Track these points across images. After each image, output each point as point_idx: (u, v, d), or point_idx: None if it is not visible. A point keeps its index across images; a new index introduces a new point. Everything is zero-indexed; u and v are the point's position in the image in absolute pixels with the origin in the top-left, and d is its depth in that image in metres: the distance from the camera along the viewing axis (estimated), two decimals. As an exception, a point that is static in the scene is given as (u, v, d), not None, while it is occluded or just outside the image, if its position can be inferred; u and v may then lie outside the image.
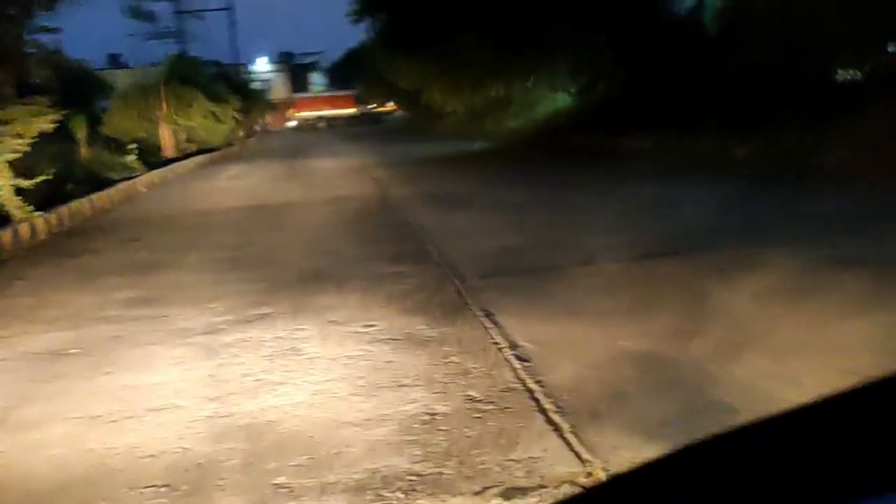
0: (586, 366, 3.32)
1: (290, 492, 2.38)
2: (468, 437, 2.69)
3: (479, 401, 3.01)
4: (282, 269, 5.83)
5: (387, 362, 3.55)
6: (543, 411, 2.87)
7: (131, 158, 16.63)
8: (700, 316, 3.88)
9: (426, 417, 2.88)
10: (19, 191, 7.99)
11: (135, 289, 5.44)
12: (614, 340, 3.62)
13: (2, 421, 3.11)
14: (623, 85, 14.98)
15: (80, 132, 17.92)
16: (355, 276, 5.38)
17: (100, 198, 10.89)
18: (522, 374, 3.26)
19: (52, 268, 6.53)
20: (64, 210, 9.13)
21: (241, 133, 35.17)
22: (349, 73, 53.14)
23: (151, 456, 2.69)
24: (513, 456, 2.52)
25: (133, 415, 3.09)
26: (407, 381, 3.27)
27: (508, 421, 2.80)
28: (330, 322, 4.27)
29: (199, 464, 2.62)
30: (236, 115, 31.29)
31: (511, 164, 14.14)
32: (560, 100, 19.43)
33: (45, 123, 7.67)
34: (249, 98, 39.10)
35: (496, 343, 3.71)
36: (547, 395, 3.01)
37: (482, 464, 2.48)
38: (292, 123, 57.15)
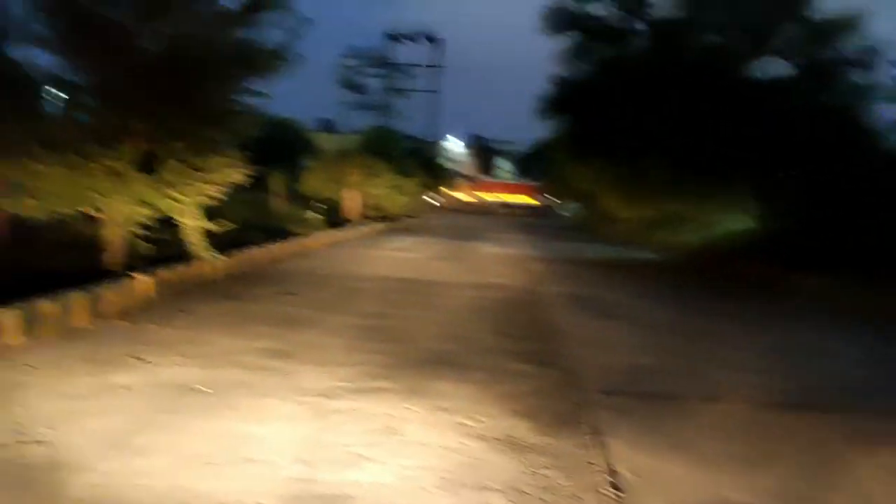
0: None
1: None
2: None
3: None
4: (412, 346, 5.97)
5: (478, 460, 3.51)
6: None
7: (315, 216, 17.89)
8: (821, 482, 3.52)
9: (497, 526, 2.80)
10: (206, 233, 8.82)
11: (275, 340, 5.79)
12: (718, 489, 3.35)
13: (118, 443, 3.39)
14: (806, 217, 14.17)
15: (276, 186, 19.60)
16: (478, 367, 5.40)
17: (275, 248, 11.76)
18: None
19: (214, 307, 7.11)
20: (241, 256, 9.94)
21: (422, 207, 36.83)
22: (534, 163, 54.43)
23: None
24: None
25: (228, 461, 3.26)
26: (491, 485, 3.21)
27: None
28: (439, 409, 4.30)
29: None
30: (419, 190, 32.87)
31: (672, 281, 13.69)
32: (736, 222, 18.67)
33: (238, 175, 8.46)
34: (435, 175, 41.02)
35: (594, 465, 3.56)
36: None
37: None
38: (473, 203, 58.98)
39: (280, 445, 3.50)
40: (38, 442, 3.32)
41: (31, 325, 5.14)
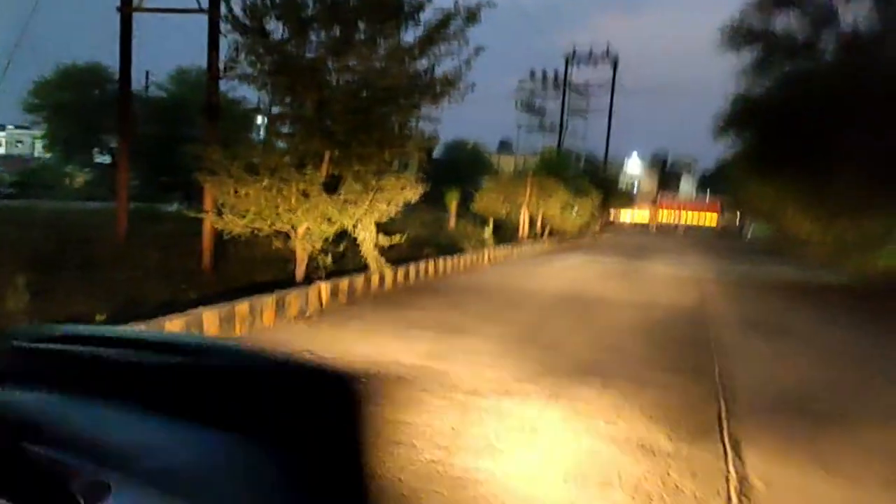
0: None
1: None
2: None
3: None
4: (563, 356, 6.17)
5: (607, 461, 3.68)
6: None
7: (487, 234, 18.44)
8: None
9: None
10: (380, 247, 9.55)
11: (434, 344, 6.23)
12: (854, 505, 3.29)
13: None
14: None
15: (452, 205, 20.44)
16: (625, 376, 5.51)
17: (446, 263, 12.37)
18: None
19: (384, 314, 7.71)
20: (412, 269, 10.60)
21: (596, 226, 36.47)
22: (717, 182, 52.11)
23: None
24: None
25: (378, 445, 3.67)
26: (615, 482, 3.38)
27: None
28: (577, 412, 4.49)
29: (407, 500, 3.07)
30: (593, 210, 32.65)
31: (861, 308, 12.71)
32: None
33: (411, 194, 9.10)
34: (611, 195, 40.47)
35: (726, 473, 3.61)
36: None
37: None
38: (651, 223, 57.46)
39: (425, 433, 3.88)
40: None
41: (227, 323, 5.95)
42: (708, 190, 58.57)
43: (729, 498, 3.30)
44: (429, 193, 9.67)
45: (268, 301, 6.61)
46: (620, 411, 4.59)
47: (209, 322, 5.67)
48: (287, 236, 8.50)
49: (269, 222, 8.20)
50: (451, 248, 14.32)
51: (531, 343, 6.67)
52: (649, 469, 3.59)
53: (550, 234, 26.03)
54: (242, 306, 6.20)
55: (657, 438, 4.09)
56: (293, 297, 7.07)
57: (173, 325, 5.25)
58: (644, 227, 56.24)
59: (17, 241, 8.43)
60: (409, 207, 9.63)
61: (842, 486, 3.51)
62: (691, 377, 5.68)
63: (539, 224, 25.59)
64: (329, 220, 8.43)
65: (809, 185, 18.25)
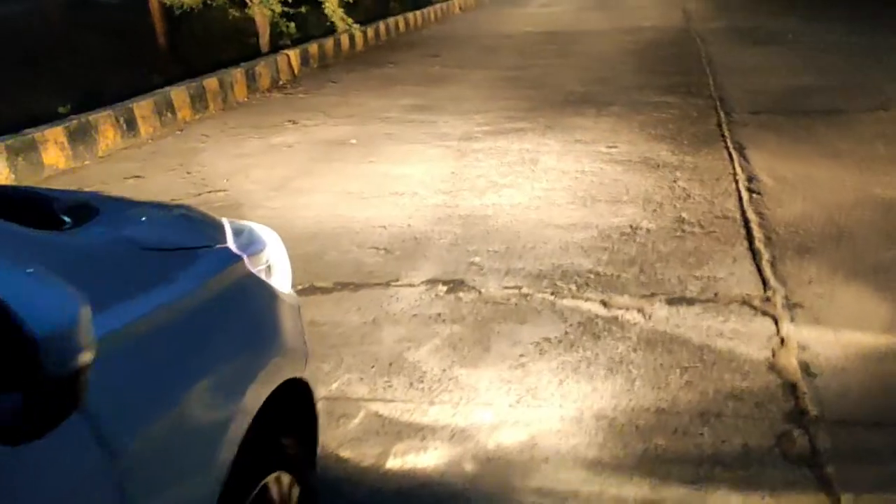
0: (820, 205, 3.08)
1: (480, 269, 2.67)
2: (660, 251, 2.73)
3: (688, 223, 2.99)
4: (552, 90, 5.94)
5: (614, 180, 3.60)
6: (750, 239, 2.78)
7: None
8: None
9: (628, 230, 2.95)
10: (346, 5, 8.89)
11: (418, 97, 5.97)
12: (867, 186, 3.27)
13: (282, 186, 3.80)
14: None
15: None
16: (619, 102, 5.33)
17: (416, 16, 11.65)
18: (746, 205, 3.14)
19: (360, 74, 7.34)
20: (381, 26, 9.98)
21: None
22: None
23: (382, 226, 3.15)
24: (696, 273, 2.53)
25: (379, 195, 3.58)
26: (625, 198, 3.33)
27: (708, 244, 2.77)
28: (576, 141, 4.37)
29: (416, 238, 3.02)
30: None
31: (851, 2, 12.19)
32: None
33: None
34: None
35: (733, 174, 3.56)
36: (761, 227, 2.89)
37: (662, 275, 2.53)
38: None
39: (424, 182, 3.77)
40: (220, 190, 3.79)
41: (199, 101, 5.63)
42: None
43: (739, 195, 3.27)
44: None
45: (237, 74, 6.22)
46: (619, 134, 4.47)
47: (179, 101, 5.35)
48: (244, 4, 7.85)
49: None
50: (418, 0, 13.43)
51: (518, 83, 6.39)
52: (656, 181, 3.53)
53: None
54: (211, 81, 5.83)
55: (660, 153, 4.00)
56: (262, 68, 6.65)
57: (141, 109, 4.95)
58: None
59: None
60: None
61: (854, 172, 3.48)
62: (686, 93, 5.50)
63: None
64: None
65: None
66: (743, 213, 3.06)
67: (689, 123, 4.60)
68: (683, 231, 2.90)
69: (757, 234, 2.82)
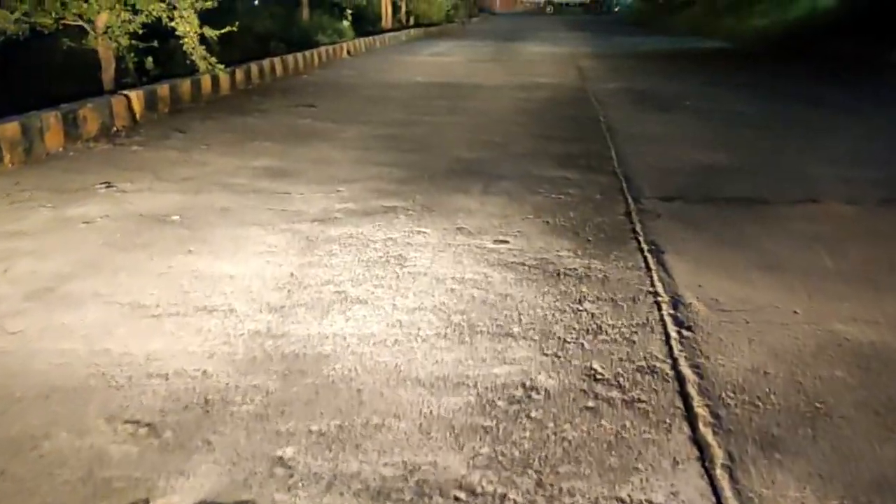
0: (774, 354, 2.29)
1: (288, 478, 1.68)
2: (566, 440, 1.83)
3: (602, 380, 2.12)
4: (435, 155, 5.09)
5: (501, 296, 2.72)
6: (692, 419, 1.93)
7: (346, 25, 16.44)
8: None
9: (518, 394, 2.05)
10: (222, 42, 7.80)
11: (277, 158, 4.99)
12: (824, 320, 2.52)
13: (44, 292, 2.70)
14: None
15: (304, -7, 17.95)
16: (511, 175, 4.53)
17: (297, 59, 10.69)
18: (677, 350, 2.31)
19: (217, 124, 6.27)
20: (254, 68, 8.94)
21: (464, 11, 34.36)
22: (586, -46, 50.17)
23: (163, 376, 2.12)
24: (622, 493, 1.64)
25: (181, 311, 2.55)
26: (516, 330, 2.44)
27: (633, 426, 1.90)
28: (458, 230, 3.49)
29: (207, 400, 2.00)
30: (461, -9, 30.38)
31: (745, 69, 12.16)
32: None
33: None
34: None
35: (654, 293, 2.75)
36: (703, 393, 2.06)
37: (569, 495, 1.63)
38: (522, 4, 55.67)
39: (251, 288, 2.77)
40: (-53, 296, 2.65)
41: (-11, 154, 4.42)
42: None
43: (665, 330, 2.44)
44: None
45: (49, 118, 5.03)
46: (510, 221, 3.62)
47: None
48: (84, 33, 6.67)
49: (53, 14, 6.35)
50: (306, 42, 12.47)
51: (398, 143, 5.52)
52: (556, 302, 2.67)
53: (416, 22, 24.07)
54: (9, 127, 4.63)
55: (561, 254, 3.17)
56: (89, 111, 5.48)
57: None
58: (516, 9, 54.34)
59: None
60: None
61: (805, 295, 2.73)
62: (587, 167, 4.78)
63: (403, 11, 23.53)
64: (132, 7, 6.64)
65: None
66: (674, 363, 2.22)
67: (592, 210, 3.82)
68: (596, 397, 2.03)
69: (699, 407, 1.98)
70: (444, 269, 2.99)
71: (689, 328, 2.46)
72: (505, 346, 2.33)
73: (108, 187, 4.17)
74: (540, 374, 2.16)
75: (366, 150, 5.26)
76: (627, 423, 1.90)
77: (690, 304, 2.66)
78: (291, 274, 2.92)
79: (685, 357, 2.26)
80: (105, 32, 6.65)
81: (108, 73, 6.73)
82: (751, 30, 17.60)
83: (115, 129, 5.78)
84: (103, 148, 5.25)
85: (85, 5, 6.41)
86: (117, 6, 6.46)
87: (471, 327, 2.46)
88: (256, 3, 17.05)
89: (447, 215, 3.71)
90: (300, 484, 1.66)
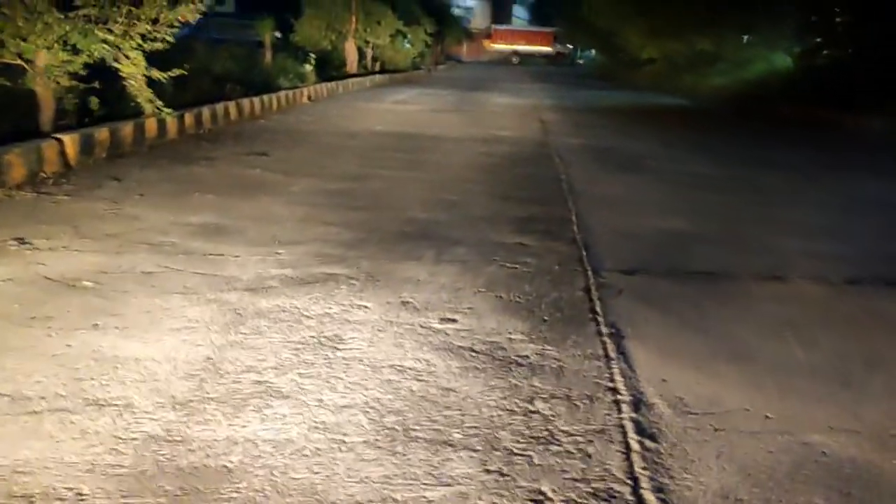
0: (745, 473, 2.00)
1: None
2: None
3: (552, 509, 1.82)
4: (388, 215, 4.81)
5: (444, 390, 2.41)
6: (655, 566, 1.63)
7: (308, 69, 16.26)
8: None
9: (453, 526, 1.73)
10: (176, 84, 7.49)
11: (217, 213, 4.65)
12: (800, 428, 2.25)
13: None
14: (859, 49, 12.45)
15: (266, 36, 17.80)
16: (466, 240, 4.26)
17: (254, 103, 10.41)
18: (637, 466, 2.02)
19: (157, 172, 5.93)
20: (206, 112, 8.63)
21: (430, 59, 34.63)
22: (551, 8, 51.27)
23: (27, 498, 1.75)
24: None
25: (67, 407, 2.18)
26: (455, 438, 2.13)
27: (586, 574, 1.59)
28: (402, 304, 3.19)
29: (73, 533, 1.64)
30: (427, 40, 30.62)
31: (705, 128, 12.23)
32: (778, 60, 16.85)
33: (186, 12, 7.03)
34: (445, 24, 38.43)
35: (613, 389, 2.47)
36: (667, 529, 1.76)
37: None
38: (486, 53, 56.57)
39: (157, 375, 2.42)
40: None
41: None
42: (542, 17, 57.80)
43: (625, 441, 2.15)
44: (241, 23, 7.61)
45: (-32, 166, 4.64)
46: (461, 295, 3.33)
47: None
48: (22, 72, 6.31)
49: (-13, 53, 6.01)
50: (265, 86, 12.21)
51: (349, 200, 5.23)
52: (505, 399, 2.37)
53: (382, 68, 24.09)
54: (-82, 177, 4.24)
55: (513, 337, 2.88)
56: (14, 156, 5.10)
57: None
58: (480, 58, 55.19)
59: None
60: (215, 40, 7.54)
61: (786, 392, 2.47)
62: (546, 233, 4.54)
63: (369, 57, 23.55)
64: (73, 47, 6.31)
65: (641, 5, 17.43)
66: (635, 485, 1.93)
67: (549, 284, 3.55)
68: (544, 535, 1.72)
69: (663, 551, 1.68)
70: (382, 353, 2.68)
71: (651, 436, 2.18)
72: (442, 458, 2.02)
73: (20, 244, 3.79)
74: (480, 499, 1.84)
75: (314, 207, 4.96)
76: (580, 573, 1.59)
77: (653, 404, 2.38)
78: (208, 357, 2.58)
79: (648, 476, 1.97)
80: (45, 72, 6.31)
81: (46, 115, 6.37)
82: (709, 88, 17.88)
83: (43, 175, 5.39)
84: (27, 197, 4.87)
85: (23, 44, 6.08)
86: (55, 45, 6.13)
87: (405, 432, 2.14)
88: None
89: (393, 286, 3.41)
90: None
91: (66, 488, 1.80)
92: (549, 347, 2.80)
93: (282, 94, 12.09)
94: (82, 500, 1.77)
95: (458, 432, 2.16)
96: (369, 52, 23.21)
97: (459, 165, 7.02)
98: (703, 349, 2.86)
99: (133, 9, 6.45)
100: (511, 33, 58.50)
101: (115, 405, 2.21)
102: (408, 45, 27.63)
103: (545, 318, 3.11)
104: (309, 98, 13.53)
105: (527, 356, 2.72)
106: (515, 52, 55.08)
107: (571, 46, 51.18)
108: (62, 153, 5.71)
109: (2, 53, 6.12)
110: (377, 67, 23.65)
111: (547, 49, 55.00)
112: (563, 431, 2.19)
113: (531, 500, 1.85)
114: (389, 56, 25.20)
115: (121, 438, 2.04)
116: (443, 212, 5.01)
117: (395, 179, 6.13)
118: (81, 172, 5.69)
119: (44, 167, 5.44)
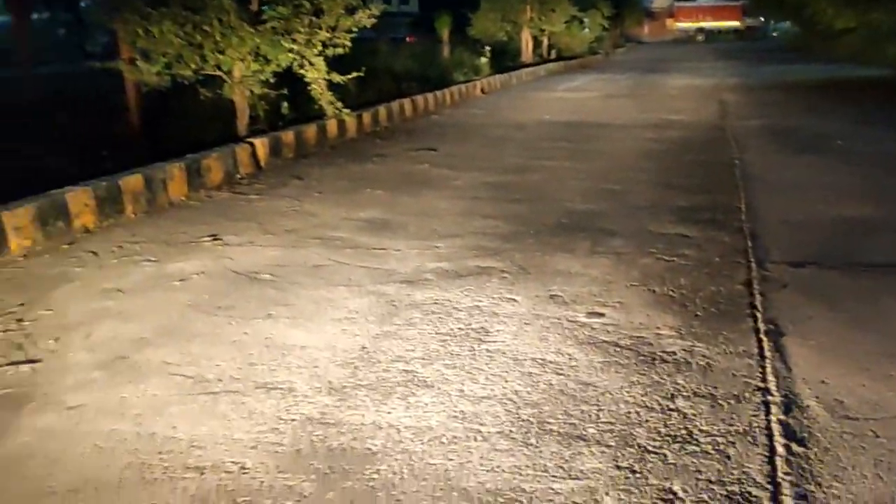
0: (906, 490, 1.86)
1: None
2: (620, 591, 1.54)
3: (681, 509, 1.80)
4: (546, 207, 4.84)
5: (583, 385, 2.44)
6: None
7: (483, 61, 16.52)
8: None
9: (578, 519, 1.77)
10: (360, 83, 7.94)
11: (383, 209, 4.92)
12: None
13: (116, 360, 2.70)
14: None
15: (444, 32, 18.31)
16: (624, 232, 4.20)
17: (428, 99, 10.77)
18: (781, 472, 1.93)
19: (335, 170, 6.35)
20: (382, 110, 9.07)
21: (608, 42, 33.80)
22: (739, -20, 48.20)
23: (199, 469, 2.01)
24: None
25: (240, 388, 2.46)
26: (590, 432, 2.15)
27: (708, 578, 1.57)
28: (551, 298, 3.23)
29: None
30: (604, 23, 29.94)
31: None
32: None
33: (363, 17, 7.43)
34: (623, 5, 37.33)
35: (764, 389, 2.36)
36: (805, 539, 1.69)
37: None
38: (669, 32, 54.35)
39: (318, 362, 2.65)
40: (31, 361, 2.71)
41: (110, 204, 4.64)
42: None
43: (770, 445, 2.06)
44: (421, 22, 7.97)
45: (173, 170, 5.25)
46: (612, 289, 3.31)
47: (77, 206, 4.35)
48: (222, 83, 7.00)
49: (193, 66, 6.70)
50: (441, 80, 12.57)
51: (509, 193, 5.32)
52: (645, 395, 2.35)
53: (558, 55, 23.87)
54: (133, 180, 4.85)
55: (661, 333, 2.83)
56: (213, 160, 5.69)
57: (17, 218, 3.97)
58: (664, 38, 53.07)
59: None
60: (396, 40, 7.96)
61: (950, 409, 2.25)
62: (710, 222, 4.36)
63: (545, 45, 23.43)
64: (264, 57, 6.90)
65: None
66: (776, 492, 1.85)
67: (707, 277, 3.43)
68: (670, 535, 1.71)
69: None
70: (525, 346, 2.74)
71: (800, 441, 2.07)
72: (574, 452, 2.05)
73: (214, 240, 4.24)
74: (608, 494, 1.86)
75: (474, 201, 5.10)
76: (701, 576, 1.58)
77: (807, 406, 2.26)
78: (363, 347, 2.77)
79: (790, 482, 1.89)
80: (241, 82, 6.95)
81: (242, 121, 7.01)
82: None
83: (238, 176, 5.97)
84: (223, 196, 5.41)
85: (221, 56, 6.71)
86: (248, 57, 6.73)
87: (540, 425, 2.20)
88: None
89: (544, 280, 3.46)
90: None
91: (232, 462, 2.05)
92: (698, 344, 2.73)
93: (454, 88, 12.38)
94: (245, 472, 2.00)
95: (592, 427, 2.18)
96: (545, 40, 23.09)
97: (625, 154, 6.87)
98: (875, 350, 2.64)
99: (314, 18, 6.89)
100: (695, 9, 55.65)
101: (280, 388, 2.46)
102: (586, 30, 27.15)
103: (698, 312, 3.02)
104: (482, 90, 13.76)
105: (673, 352, 2.66)
106: (701, 30, 52.39)
107: (763, 19, 47.75)
108: (254, 155, 6.28)
109: (204, 66, 6.81)
110: (553, 55, 23.47)
111: (735, 24, 51.78)
112: (702, 431, 2.14)
113: (661, 499, 1.84)
114: (565, 42, 24.89)
115: (282, 419, 2.26)
116: (603, 202, 4.96)
117: (557, 170, 6.14)
118: (270, 172, 6.23)
119: (238, 169, 6.02)
